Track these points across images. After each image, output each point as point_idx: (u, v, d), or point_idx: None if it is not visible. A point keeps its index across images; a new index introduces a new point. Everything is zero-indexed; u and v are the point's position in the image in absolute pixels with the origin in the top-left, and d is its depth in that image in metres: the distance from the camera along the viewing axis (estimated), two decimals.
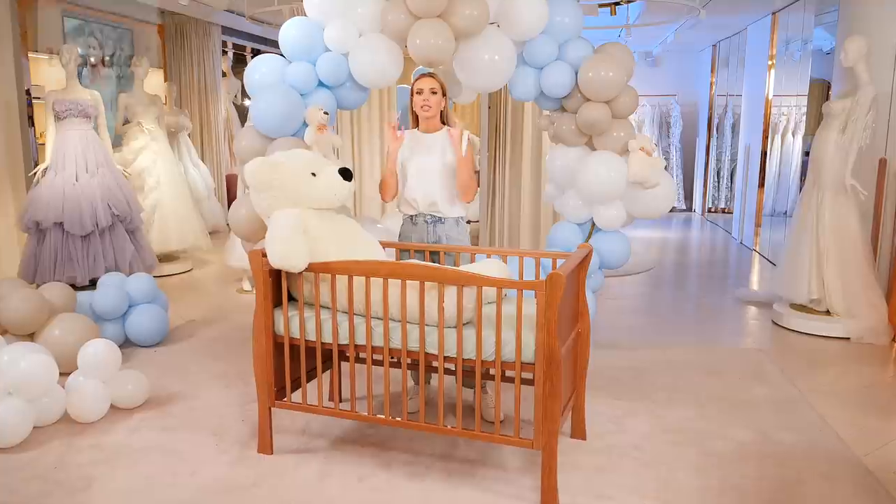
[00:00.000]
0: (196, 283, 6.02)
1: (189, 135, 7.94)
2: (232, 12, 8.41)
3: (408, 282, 2.52)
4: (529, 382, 2.70)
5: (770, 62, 7.02)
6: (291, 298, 2.85)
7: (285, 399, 2.84)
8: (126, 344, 4.17)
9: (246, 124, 3.84)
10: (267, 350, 2.75)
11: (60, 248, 4.98)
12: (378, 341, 2.61)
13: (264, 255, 2.66)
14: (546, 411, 2.39)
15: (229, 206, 8.53)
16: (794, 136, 6.83)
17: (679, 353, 4.16)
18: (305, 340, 2.73)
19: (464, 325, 2.49)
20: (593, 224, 4.02)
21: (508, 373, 2.88)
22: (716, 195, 10.56)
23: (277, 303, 2.80)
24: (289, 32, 3.61)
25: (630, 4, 6.79)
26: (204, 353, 4.10)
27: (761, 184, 7.28)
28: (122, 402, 3.24)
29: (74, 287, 5.05)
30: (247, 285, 5.67)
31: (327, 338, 2.69)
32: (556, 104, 3.88)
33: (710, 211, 10.55)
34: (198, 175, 7.92)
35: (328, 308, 2.74)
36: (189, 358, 4.03)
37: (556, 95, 3.74)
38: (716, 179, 10.50)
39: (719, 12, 6.52)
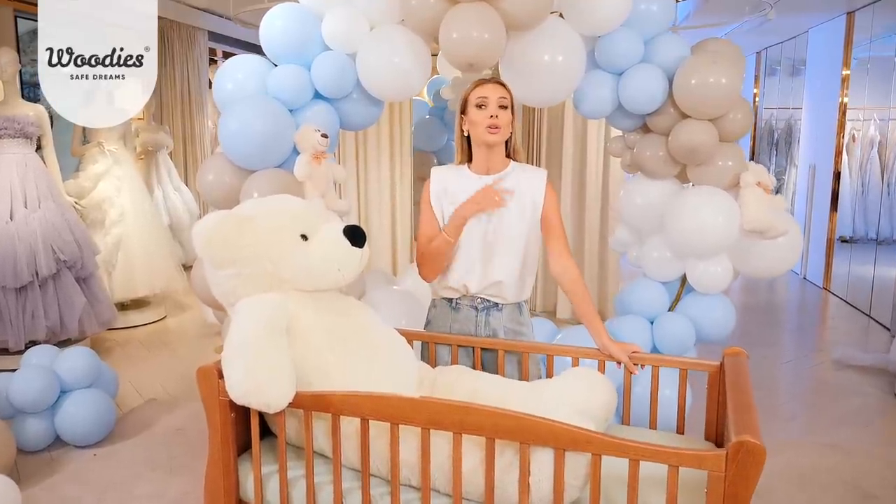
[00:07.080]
0: (167, 336, 4.96)
1: (170, 154, 6.95)
2: (221, 16, 7.45)
3: (465, 435, 1.47)
4: None
5: (845, 70, 6.00)
6: (268, 433, 1.80)
7: None
8: (56, 444, 3.11)
9: (215, 151, 2.83)
10: None
11: None
12: None
13: (221, 377, 1.62)
14: None
15: None
16: (885, 151, 5.80)
17: (804, 457, 3.08)
18: None
19: None
20: (683, 281, 3.02)
21: None
22: None
23: (246, 446, 1.75)
24: (274, 24, 2.66)
25: (681, 2, 5.82)
26: (160, 459, 3.03)
27: (834, 208, 6.22)
28: None
29: (7, 352, 4.03)
30: None
31: None
32: (637, 122, 2.91)
33: None
34: (179, 200, 6.92)
35: (326, 457, 1.69)
36: (139, 466, 2.96)
37: (640, 110, 2.77)
38: None
39: (788, 10, 5.51)
